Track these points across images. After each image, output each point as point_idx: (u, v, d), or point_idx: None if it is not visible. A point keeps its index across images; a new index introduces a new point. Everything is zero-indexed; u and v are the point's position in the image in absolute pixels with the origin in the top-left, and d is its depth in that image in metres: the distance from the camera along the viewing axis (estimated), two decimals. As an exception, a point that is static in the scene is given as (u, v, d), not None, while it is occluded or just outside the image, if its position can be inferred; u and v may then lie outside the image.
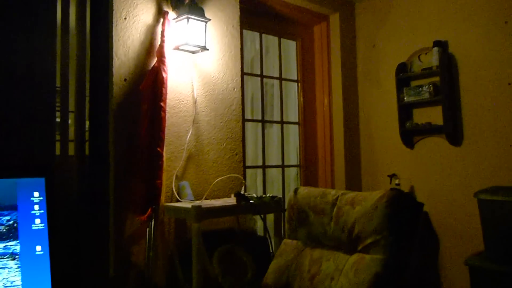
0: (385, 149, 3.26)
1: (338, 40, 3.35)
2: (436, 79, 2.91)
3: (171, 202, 2.25)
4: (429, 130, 2.98)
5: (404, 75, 3.07)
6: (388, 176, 3.11)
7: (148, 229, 2.10)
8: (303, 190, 1.66)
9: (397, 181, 3.08)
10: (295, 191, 1.67)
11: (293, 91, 3.40)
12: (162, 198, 2.18)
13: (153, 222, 2.09)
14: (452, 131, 2.84)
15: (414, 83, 3.08)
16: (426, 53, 3.00)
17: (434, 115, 2.95)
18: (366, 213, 1.36)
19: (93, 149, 2.15)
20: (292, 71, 3.37)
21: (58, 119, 2.11)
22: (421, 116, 3.05)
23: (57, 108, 2.10)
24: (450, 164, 2.90)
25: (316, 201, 1.58)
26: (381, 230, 1.31)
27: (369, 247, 1.33)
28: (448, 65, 2.85)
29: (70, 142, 2.16)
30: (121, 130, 2.12)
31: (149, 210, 2.07)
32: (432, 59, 2.91)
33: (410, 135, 3.10)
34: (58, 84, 2.10)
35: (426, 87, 2.92)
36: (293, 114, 3.41)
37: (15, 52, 1.86)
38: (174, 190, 2.26)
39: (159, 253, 2.20)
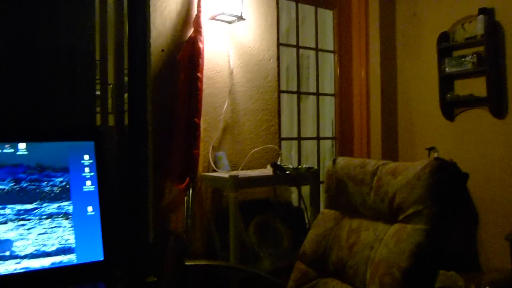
0: (423, 122, 3.18)
1: (376, 9, 3.23)
2: (480, 48, 2.78)
3: (208, 172, 2.28)
4: (471, 102, 2.87)
5: (446, 45, 2.95)
6: (427, 149, 3.03)
7: (186, 197, 2.14)
8: (342, 160, 1.64)
9: (436, 155, 3.00)
10: (334, 161, 1.65)
11: (329, 62, 3.33)
12: (200, 168, 2.21)
13: (190, 191, 2.13)
14: (496, 103, 2.73)
15: (456, 53, 2.96)
16: (470, 22, 2.86)
17: (477, 87, 2.84)
18: (408, 183, 1.33)
19: (132, 119, 2.19)
20: (328, 42, 3.30)
21: (98, 92, 2.15)
22: (462, 88, 2.94)
23: (97, 81, 2.14)
24: (492, 137, 2.80)
25: (355, 171, 1.55)
26: (423, 200, 1.28)
27: (410, 217, 1.30)
28: (493, 34, 2.72)
29: (110, 115, 2.20)
30: (159, 100, 2.15)
31: (187, 179, 2.11)
32: (477, 27, 2.77)
33: (451, 107, 3.00)
34: (97, 57, 2.13)
35: (470, 57, 2.80)
36: (328, 85, 3.36)
37: (56, 26, 1.89)
38: (210, 160, 2.29)
39: (197, 221, 2.25)
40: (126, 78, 2.20)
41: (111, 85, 2.22)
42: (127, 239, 1.95)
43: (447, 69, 2.92)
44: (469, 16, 2.86)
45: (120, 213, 2.02)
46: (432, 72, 3.04)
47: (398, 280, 1.24)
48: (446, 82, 2.98)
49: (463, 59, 2.84)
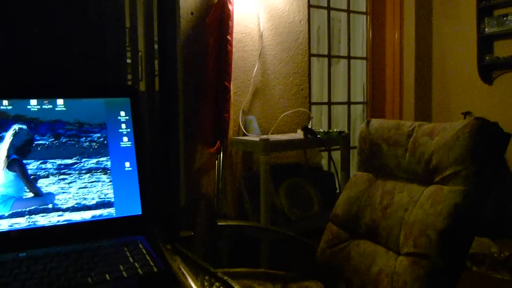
0: (459, 85, 3.06)
1: (412, -34, 3.08)
2: (525, 6, 2.63)
3: (238, 136, 2.28)
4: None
5: (486, 4, 2.80)
6: (462, 113, 2.94)
7: (216, 161, 2.16)
8: (376, 122, 1.60)
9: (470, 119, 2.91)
10: (367, 123, 1.61)
11: (361, 24, 3.23)
12: (230, 132, 2.21)
13: (221, 155, 2.15)
14: (540, 64, 2.60)
15: (497, 12, 2.80)
16: (514, -23, 2.69)
17: (518, 48, 2.70)
18: (446, 144, 1.29)
19: (162, 84, 2.19)
20: (360, 3, 3.18)
21: (129, 60, 2.16)
22: (503, 49, 2.80)
23: (128, 49, 2.14)
24: (534, 101, 2.68)
25: (390, 133, 1.52)
26: (462, 160, 1.24)
27: (448, 178, 1.27)
28: (540, -10, 2.56)
29: (140, 82, 2.21)
30: (189, 64, 2.14)
31: (218, 142, 2.12)
32: (522, -17, 2.61)
33: (489, 69, 2.87)
34: (127, 25, 2.12)
35: (512, 15, 2.65)
36: (360, 49, 3.26)
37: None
38: (240, 124, 2.29)
39: (227, 185, 2.27)
40: (156, 46, 2.19)
41: (141, 53, 2.22)
42: (160, 199, 2.00)
43: (486, 29, 2.78)
44: (513, -29, 2.69)
45: (153, 174, 2.05)
46: (470, 33, 2.90)
47: (434, 242, 1.23)
48: (485, 43, 2.85)
49: (504, 18, 2.69)
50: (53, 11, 1.57)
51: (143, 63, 2.22)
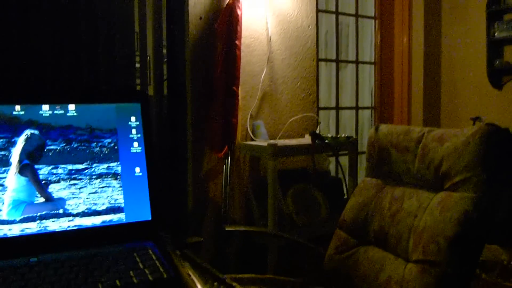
0: (468, 91, 3.04)
1: (421, -29, 3.08)
2: (535, 11, 2.61)
3: (246, 141, 2.29)
4: (522, 69, 2.72)
5: (496, 8, 2.78)
6: (471, 119, 2.91)
7: (224, 166, 2.16)
8: (385, 127, 1.59)
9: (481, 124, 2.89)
10: (376, 128, 1.61)
11: (369, 29, 3.23)
12: (238, 137, 2.22)
13: (229, 159, 2.15)
14: (550, 69, 2.58)
15: (507, 17, 2.79)
16: (524, -18, 2.68)
17: (529, 53, 2.68)
18: (456, 150, 1.28)
19: (171, 88, 2.21)
20: (369, 7, 3.18)
21: (137, 64, 2.17)
22: (513, 54, 2.79)
23: (137, 53, 2.15)
24: (544, 106, 2.66)
25: (399, 139, 1.51)
26: (473, 167, 1.23)
27: (458, 184, 1.26)
28: (550, -5, 2.54)
29: (149, 86, 2.22)
30: (197, 68, 2.15)
31: (226, 147, 2.12)
32: (532, -12, 2.60)
33: (499, 75, 2.85)
34: (136, 29, 2.14)
35: (522, 20, 2.64)
36: (368, 53, 3.26)
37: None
38: (248, 129, 2.29)
39: (235, 189, 2.27)
40: (164, 50, 2.21)
41: (150, 57, 2.24)
42: (169, 204, 2.01)
43: (496, 34, 2.77)
44: (523, -24, 2.68)
45: (162, 179, 2.06)
46: (480, 38, 2.89)
47: (443, 249, 1.22)
48: (495, 48, 2.83)
49: (514, 23, 2.68)
50: (64, 19, 1.59)
51: (151, 68, 2.23)
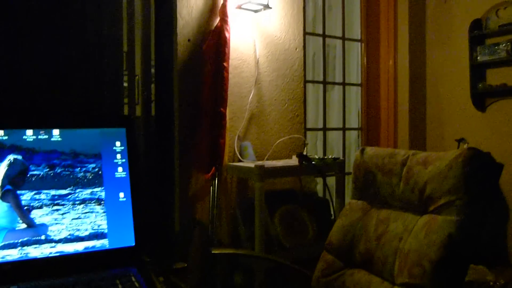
0: (453, 112, 3.10)
1: (406, -5, 3.16)
2: (516, 36, 2.68)
3: (233, 162, 2.29)
4: (504, 91, 2.78)
5: (478, 33, 2.86)
6: (456, 140, 2.96)
7: (211, 187, 2.15)
8: (370, 150, 1.61)
9: (465, 146, 2.93)
10: (362, 151, 1.63)
11: (355, 52, 3.28)
12: (225, 158, 2.22)
13: (216, 181, 2.14)
14: (531, 92, 2.64)
15: (489, 41, 2.86)
16: (505, 8, 2.76)
17: (510, 76, 2.74)
18: (440, 173, 1.30)
19: (159, 109, 2.21)
20: (355, 31, 3.24)
21: (125, 84, 2.17)
22: (495, 77, 2.85)
23: (125, 72, 2.16)
24: (526, 128, 2.71)
25: (384, 161, 1.53)
26: (456, 190, 1.25)
27: (442, 208, 1.28)
28: (530, 20, 2.62)
29: (137, 105, 2.22)
30: (185, 90, 2.16)
31: (213, 169, 2.12)
32: (512, 14, 2.68)
33: (482, 97, 2.92)
34: (125, 49, 2.15)
35: (504, 45, 2.71)
36: (355, 75, 3.31)
37: (85, 18, 1.90)
38: (236, 150, 2.29)
39: (222, 211, 2.26)
40: (153, 70, 2.22)
41: (138, 76, 2.24)
42: (154, 227, 1.98)
43: (479, 57, 2.84)
44: (504, 2, 2.76)
45: (147, 201, 2.05)
46: (463, 61, 2.96)
47: (428, 272, 1.22)
48: (477, 71, 2.90)
49: (496, 47, 2.75)
50: (50, 40, 1.60)
51: (140, 87, 2.24)
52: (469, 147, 1.29)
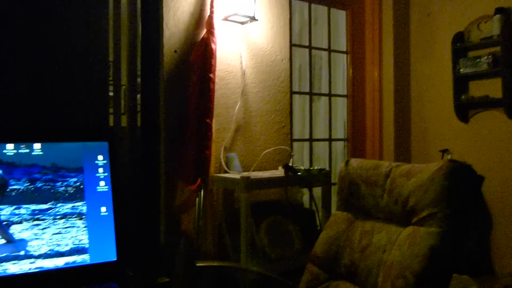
0: (437, 124, 3.14)
1: (390, 8, 3.21)
2: (496, 49, 2.74)
3: (219, 173, 2.28)
4: (486, 103, 2.83)
5: (461, 45, 2.91)
6: (440, 151, 3.00)
7: (197, 198, 2.14)
8: (355, 162, 1.63)
9: (449, 157, 2.97)
10: (346, 162, 1.64)
11: (341, 63, 3.32)
12: (211, 169, 2.21)
13: (202, 192, 2.13)
14: (512, 104, 2.69)
15: (471, 54, 2.92)
16: (486, 21, 2.82)
17: (492, 88, 2.80)
18: (422, 185, 1.32)
19: (144, 120, 2.20)
20: (341, 43, 3.28)
21: (111, 93, 2.16)
22: (477, 89, 2.90)
23: (110, 82, 2.15)
24: (508, 139, 2.76)
25: (368, 173, 1.54)
26: (438, 202, 1.27)
27: (424, 219, 1.29)
28: (510, 34, 2.67)
29: (122, 116, 2.21)
30: (172, 101, 2.16)
31: (199, 180, 2.11)
32: (493, 27, 2.73)
33: (465, 108, 2.97)
34: (111, 58, 2.14)
35: (485, 57, 2.76)
36: (341, 86, 3.34)
37: (69, 28, 1.89)
38: (222, 161, 2.29)
39: (208, 222, 2.25)
40: (139, 80, 2.21)
41: (124, 86, 2.23)
42: (138, 240, 1.96)
43: (461, 70, 2.89)
44: (485, 16, 2.82)
45: (132, 213, 2.03)
46: (447, 73, 3.01)
47: (411, 284, 1.23)
48: (460, 83, 2.95)
49: (478, 59, 2.81)
50: (32, 50, 1.59)
51: (125, 97, 2.22)
52: (450, 159, 1.31)
